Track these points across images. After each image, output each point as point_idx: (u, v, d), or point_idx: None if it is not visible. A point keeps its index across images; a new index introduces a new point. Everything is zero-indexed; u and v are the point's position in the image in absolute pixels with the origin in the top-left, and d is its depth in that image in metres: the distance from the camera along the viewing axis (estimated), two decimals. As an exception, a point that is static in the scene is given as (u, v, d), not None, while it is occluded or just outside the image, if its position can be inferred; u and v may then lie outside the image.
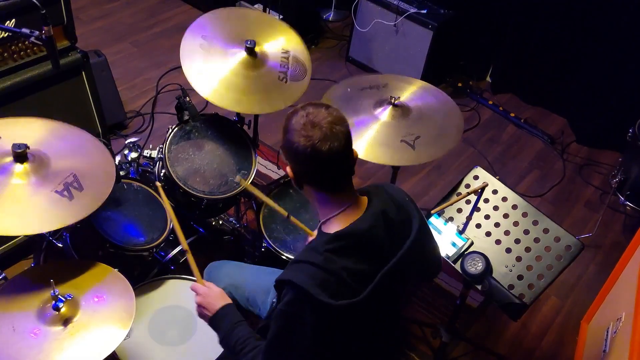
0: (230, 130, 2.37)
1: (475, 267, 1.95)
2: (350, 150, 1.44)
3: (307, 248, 1.46)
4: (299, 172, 1.45)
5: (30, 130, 1.80)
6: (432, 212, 2.08)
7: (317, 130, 1.35)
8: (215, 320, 1.60)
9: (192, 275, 1.74)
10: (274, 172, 3.23)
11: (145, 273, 2.18)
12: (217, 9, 2.36)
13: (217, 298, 1.64)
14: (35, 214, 1.61)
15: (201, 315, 1.66)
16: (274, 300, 1.85)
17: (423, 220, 1.52)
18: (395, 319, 1.88)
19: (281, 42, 2.35)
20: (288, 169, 1.47)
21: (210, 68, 2.19)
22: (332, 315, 1.34)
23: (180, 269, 2.17)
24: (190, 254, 1.73)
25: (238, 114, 2.43)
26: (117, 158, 2.30)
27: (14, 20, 2.15)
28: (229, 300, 1.64)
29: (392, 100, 2.19)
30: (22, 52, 2.27)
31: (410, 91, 2.32)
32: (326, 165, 1.39)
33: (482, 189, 2.07)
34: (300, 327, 1.35)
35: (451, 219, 2.08)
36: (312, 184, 1.46)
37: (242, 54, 2.23)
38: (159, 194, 2.23)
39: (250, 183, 2.28)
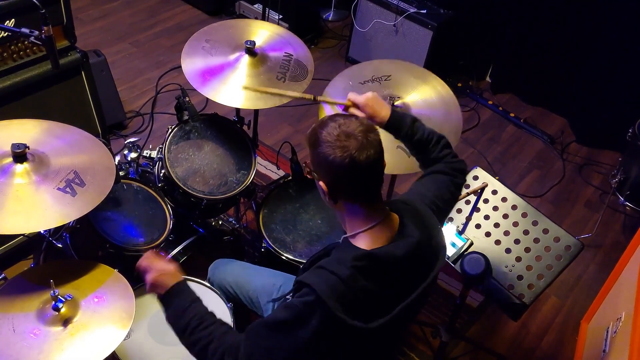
0: (229, 131, 2.37)
1: (475, 267, 1.95)
2: (383, 158, 1.42)
3: (335, 258, 1.41)
4: (336, 185, 1.39)
5: (26, 131, 1.80)
6: (432, 212, 2.07)
7: (352, 140, 1.33)
8: (168, 296, 1.50)
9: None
10: (273, 172, 3.23)
11: (145, 273, 2.18)
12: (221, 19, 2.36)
13: (171, 272, 1.54)
14: (41, 212, 1.61)
15: (152, 289, 1.54)
16: (276, 297, 1.86)
17: (445, 249, 1.51)
18: (397, 341, 1.86)
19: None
20: (321, 183, 1.40)
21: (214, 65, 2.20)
22: (340, 331, 1.33)
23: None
24: None
25: (238, 114, 2.43)
26: (117, 158, 2.30)
27: (13, 20, 2.15)
28: (181, 277, 1.55)
29: (392, 102, 2.18)
30: (21, 52, 2.27)
31: (412, 86, 2.27)
32: (364, 175, 1.37)
33: (482, 189, 2.06)
34: (301, 328, 1.35)
35: (451, 219, 2.08)
36: (348, 196, 1.42)
37: (244, 55, 2.25)
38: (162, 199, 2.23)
39: (250, 183, 2.28)
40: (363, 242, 1.42)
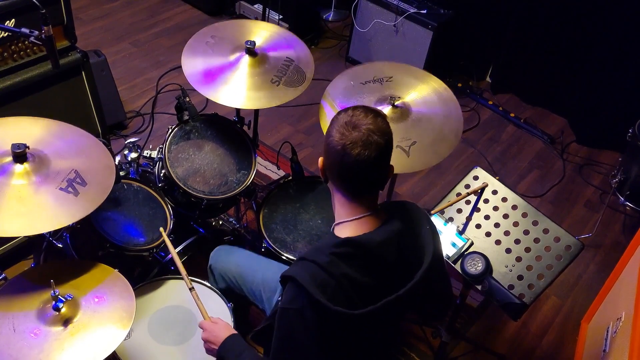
0: (230, 131, 2.37)
1: (475, 267, 1.95)
2: (383, 164, 1.43)
3: (314, 247, 1.45)
4: (327, 165, 1.45)
5: (24, 129, 1.79)
6: (432, 212, 2.07)
7: (354, 132, 1.36)
8: (222, 352, 1.61)
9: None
10: (273, 172, 3.23)
11: (145, 273, 2.18)
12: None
13: (222, 330, 1.65)
14: (44, 213, 1.60)
15: (209, 350, 1.67)
16: (280, 298, 1.86)
17: (438, 254, 1.49)
18: (393, 334, 1.88)
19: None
20: (320, 158, 1.47)
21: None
22: (326, 317, 1.34)
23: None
24: (195, 292, 1.75)
25: (238, 114, 2.43)
26: (117, 158, 2.30)
27: (13, 20, 2.15)
28: (234, 331, 1.65)
29: (392, 102, 2.18)
30: (22, 52, 2.27)
31: (413, 87, 2.27)
32: (350, 170, 1.39)
33: (482, 189, 2.07)
34: (302, 324, 1.36)
35: (451, 219, 2.08)
36: (335, 182, 1.46)
37: (244, 54, 2.25)
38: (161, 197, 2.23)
39: (250, 183, 2.28)
40: (345, 232, 1.44)
